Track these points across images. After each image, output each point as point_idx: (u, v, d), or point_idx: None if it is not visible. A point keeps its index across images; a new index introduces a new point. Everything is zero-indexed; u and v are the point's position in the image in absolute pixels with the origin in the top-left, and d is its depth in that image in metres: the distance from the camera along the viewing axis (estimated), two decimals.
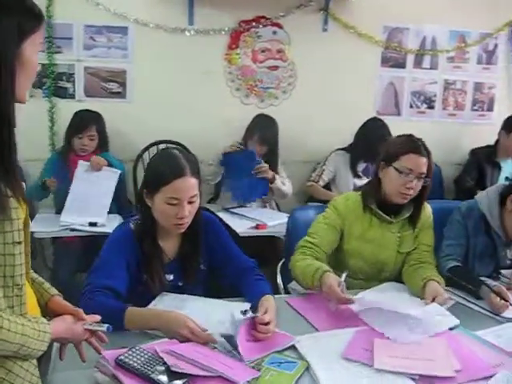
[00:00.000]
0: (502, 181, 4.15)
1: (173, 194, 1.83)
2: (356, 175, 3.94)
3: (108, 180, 3.25)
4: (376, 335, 1.76)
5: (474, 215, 2.39)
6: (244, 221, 3.28)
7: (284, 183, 3.70)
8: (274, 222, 3.32)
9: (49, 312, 1.37)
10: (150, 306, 1.85)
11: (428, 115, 4.50)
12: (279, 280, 2.58)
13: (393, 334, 1.74)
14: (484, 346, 1.76)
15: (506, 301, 2.06)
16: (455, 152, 4.47)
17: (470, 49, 4.44)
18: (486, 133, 4.48)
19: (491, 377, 1.56)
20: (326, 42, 4.09)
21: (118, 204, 3.41)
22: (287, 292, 2.45)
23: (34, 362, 1.23)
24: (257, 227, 3.22)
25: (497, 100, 4.64)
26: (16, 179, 1.16)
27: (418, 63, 4.37)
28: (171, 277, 1.99)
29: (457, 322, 1.89)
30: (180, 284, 2.00)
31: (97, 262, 1.84)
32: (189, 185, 1.85)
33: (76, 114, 3.41)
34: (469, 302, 2.14)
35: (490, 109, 4.64)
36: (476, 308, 2.10)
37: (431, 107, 4.49)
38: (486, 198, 2.41)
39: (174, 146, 3.81)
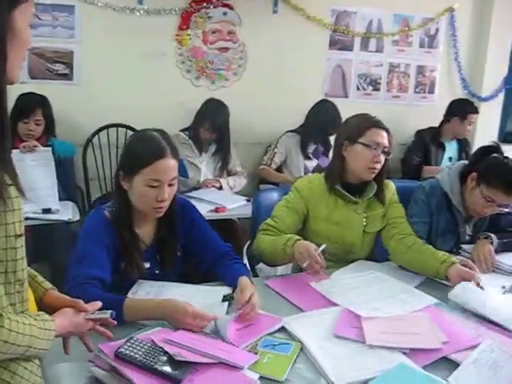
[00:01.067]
0: (445, 160, 4.33)
1: (154, 176, 1.77)
2: (307, 157, 3.98)
3: (45, 161, 3.02)
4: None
5: (436, 193, 2.46)
6: (203, 204, 3.22)
7: (233, 186, 3.70)
8: (233, 204, 3.30)
9: (44, 307, 1.28)
10: (129, 294, 1.80)
11: (374, 97, 4.59)
12: (246, 262, 2.57)
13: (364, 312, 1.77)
14: (463, 318, 1.83)
15: (471, 269, 2.14)
16: (399, 133, 4.58)
17: (413, 33, 4.56)
18: (427, 114, 4.64)
19: (475, 347, 1.61)
20: (275, 24, 4.07)
21: (68, 191, 3.27)
22: (255, 275, 2.44)
23: (37, 361, 1.15)
24: (216, 210, 3.19)
25: (437, 83, 4.80)
26: (13, 166, 1.08)
27: (364, 46, 4.44)
28: (148, 264, 1.93)
29: (434, 300, 1.94)
30: (157, 272, 1.95)
31: (78, 253, 1.75)
32: (170, 166, 1.81)
33: (20, 97, 3.21)
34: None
35: (432, 91, 4.80)
36: (445, 282, 2.17)
37: (377, 89, 4.59)
38: (447, 177, 2.49)
39: (126, 129, 3.71)
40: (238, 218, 3.49)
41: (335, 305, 1.85)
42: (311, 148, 4.01)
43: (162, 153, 1.78)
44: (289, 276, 2.15)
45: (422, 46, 4.64)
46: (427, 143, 4.29)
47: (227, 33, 3.96)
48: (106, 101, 3.72)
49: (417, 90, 4.75)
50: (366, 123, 2.26)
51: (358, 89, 4.52)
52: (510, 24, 4.83)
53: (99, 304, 1.36)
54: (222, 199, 3.34)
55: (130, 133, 3.75)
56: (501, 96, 5.00)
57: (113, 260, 1.82)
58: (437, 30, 4.64)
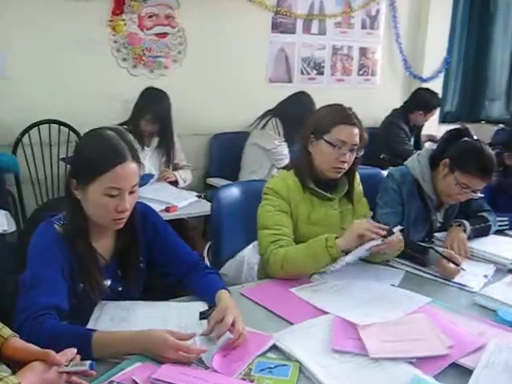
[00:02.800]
0: None
1: (113, 184, 1.52)
2: None
3: None
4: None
5: (407, 181, 2.34)
6: (152, 204, 2.94)
7: (185, 180, 3.47)
8: (184, 202, 3.07)
9: (5, 360, 1.02)
10: (91, 320, 1.55)
11: (318, 81, 4.47)
12: (207, 263, 2.37)
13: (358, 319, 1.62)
14: (459, 316, 1.72)
15: (457, 265, 2.05)
16: None
17: (355, 14, 4.46)
18: (371, 97, 4.58)
19: (482, 348, 1.51)
20: (216, 6, 3.83)
21: None
22: None
23: None
24: (167, 210, 2.94)
25: (380, 65, 4.73)
26: None
27: (307, 29, 4.30)
28: (108, 282, 1.68)
29: (427, 299, 1.81)
30: (119, 289, 1.71)
31: (29, 277, 1.48)
32: (131, 171, 1.56)
33: None
34: (417, 270, 2.10)
35: (374, 73, 4.73)
36: (426, 276, 2.06)
37: (321, 73, 4.46)
38: (417, 163, 2.37)
39: (58, 125, 3.38)
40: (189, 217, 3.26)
41: (324, 312, 1.69)
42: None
43: (121, 157, 1.53)
44: (264, 283, 1.95)
45: (363, 27, 4.57)
46: (404, 128, 4.25)
47: (165, 17, 3.67)
48: (34, 95, 3.35)
49: (360, 72, 4.66)
50: (333, 118, 2.05)
51: (301, 73, 4.37)
52: (449, 5, 4.83)
53: (73, 352, 1.11)
54: (172, 197, 3.10)
55: (64, 129, 3.43)
56: (441, 77, 5.00)
57: (69, 281, 1.56)
58: (378, 10, 4.55)
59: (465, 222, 2.35)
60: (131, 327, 1.50)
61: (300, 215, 2.10)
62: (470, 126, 2.41)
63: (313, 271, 1.95)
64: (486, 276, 2.08)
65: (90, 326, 1.52)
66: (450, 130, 2.41)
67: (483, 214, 2.47)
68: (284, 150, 3.70)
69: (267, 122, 3.71)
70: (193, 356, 1.34)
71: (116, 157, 1.53)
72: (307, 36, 4.30)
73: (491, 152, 2.28)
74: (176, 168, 3.52)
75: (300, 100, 3.70)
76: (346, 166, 2.07)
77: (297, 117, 3.62)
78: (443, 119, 5.14)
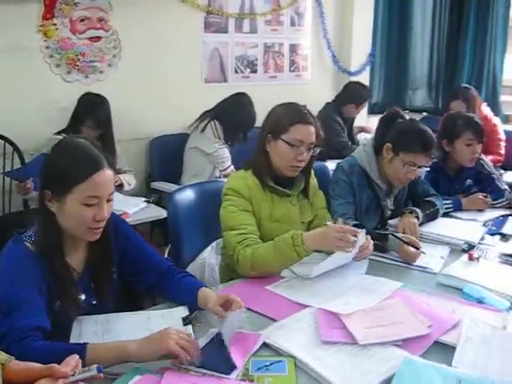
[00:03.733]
0: None
1: (92, 193, 1.49)
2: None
3: None
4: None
5: (356, 171, 2.42)
6: None
7: (129, 183, 3.41)
8: (134, 208, 3.01)
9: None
10: (72, 338, 1.50)
11: (252, 79, 4.50)
12: None
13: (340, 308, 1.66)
14: (430, 296, 1.80)
15: (417, 248, 2.14)
16: None
17: (283, 11, 4.52)
18: (303, 92, 4.66)
19: (458, 324, 1.59)
20: (148, 7, 3.76)
21: None
22: None
23: None
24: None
25: (310, 60, 4.83)
26: None
27: (238, 28, 4.31)
28: (83, 296, 1.63)
29: (398, 284, 1.88)
30: (94, 302, 1.66)
31: (5, 300, 1.40)
32: (107, 179, 1.53)
33: None
34: (380, 256, 2.16)
35: (305, 69, 4.82)
36: (389, 262, 2.14)
37: (254, 71, 4.50)
38: (363, 153, 2.46)
39: None
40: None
41: (305, 306, 1.71)
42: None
43: (97, 164, 1.50)
44: (238, 283, 1.95)
45: (292, 24, 4.64)
46: (338, 121, 4.33)
47: (97, 20, 3.56)
48: None
49: (291, 68, 4.74)
50: (290, 118, 2.08)
51: (236, 72, 4.39)
52: (371, 1, 5.00)
53: (76, 359, 1.08)
54: (121, 204, 3.02)
55: None
56: (367, 70, 5.18)
57: (46, 299, 1.50)
58: (305, 8, 4.65)
59: (416, 209, 2.45)
60: (117, 338, 1.47)
61: (262, 213, 2.11)
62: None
63: (283, 268, 1.97)
64: (442, 257, 2.18)
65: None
66: (383, 117, 2.50)
67: (431, 198, 2.59)
68: (225, 152, 3.70)
69: (206, 125, 3.69)
70: (193, 351, 1.34)
71: (92, 165, 1.50)
72: (239, 35, 4.33)
73: (426, 127, 2.39)
74: (119, 173, 3.44)
75: (239, 101, 3.72)
76: (303, 165, 2.11)
77: (236, 118, 3.65)
78: (371, 110, 5.31)
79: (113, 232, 1.69)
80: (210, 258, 2.43)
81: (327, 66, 4.98)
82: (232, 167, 3.68)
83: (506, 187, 2.97)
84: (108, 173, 1.53)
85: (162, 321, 1.61)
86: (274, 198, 2.15)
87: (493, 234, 2.43)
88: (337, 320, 1.60)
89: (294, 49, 4.70)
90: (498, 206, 2.85)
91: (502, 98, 4.88)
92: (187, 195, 2.50)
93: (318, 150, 2.16)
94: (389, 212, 2.53)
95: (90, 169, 1.48)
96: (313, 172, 2.32)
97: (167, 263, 1.81)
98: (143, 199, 3.16)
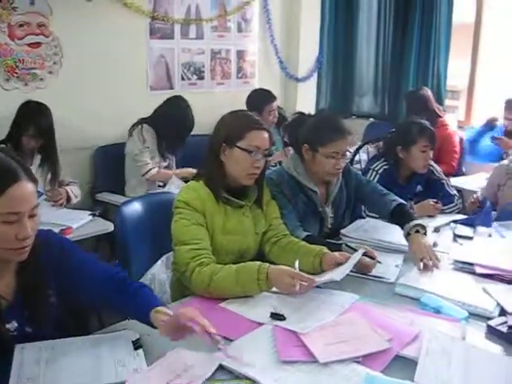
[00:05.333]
0: None
1: (10, 209, 1.37)
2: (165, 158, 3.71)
3: None
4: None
5: (285, 179, 2.37)
6: (47, 227, 2.75)
7: (76, 195, 3.27)
8: (79, 222, 2.88)
9: None
10: (14, 368, 1.37)
11: (199, 86, 4.43)
12: None
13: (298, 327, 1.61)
14: (387, 308, 1.77)
15: (373, 258, 2.11)
16: None
17: (230, 17, 4.47)
18: None
19: (417, 336, 1.57)
20: (90, 13, 3.63)
21: None
22: None
23: None
24: (63, 232, 2.73)
25: (257, 66, 4.80)
26: None
27: (185, 33, 4.23)
28: (15, 324, 1.49)
29: (356, 296, 1.85)
30: (29, 330, 1.52)
31: None
32: (27, 192, 1.41)
33: None
34: None
35: (253, 75, 4.78)
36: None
37: (201, 78, 4.42)
38: (290, 161, 2.44)
39: None
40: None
41: (260, 324, 1.65)
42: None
43: (13, 176, 1.38)
44: (190, 300, 1.86)
45: (240, 30, 4.60)
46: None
47: (37, 25, 3.39)
48: None
49: (239, 75, 4.69)
50: (245, 125, 2.03)
51: (182, 78, 4.30)
52: (317, 7, 5.02)
53: None
54: (65, 218, 2.90)
55: None
56: (315, 76, 5.19)
57: None
58: (252, 13, 4.61)
59: (417, 224, 2.28)
60: (63, 367, 1.38)
61: (215, 226, 2.04)
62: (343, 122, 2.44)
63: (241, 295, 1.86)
64: (397, 266, 2.17)
65: (13, 374, 1.36)
66: (290, 123, 2.51)
67: (389, 197, 2.46)
68: (144, 156, 3.60)
69: (134, 129, 3.63)
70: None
71: (8, 177, 1.37)
72: (186, 41, 4.25)
73: (331, 115, 2.44)
74: (62, 185, 3.29)
75: (173, 103, 3.67)
76: (259, 172, 2.06)
77: (170, 121, 3.58)
78: None
79: (44, 249, 1.55)
80: (159, 273, 2.35)
81: (275, 72, 4.96)
82: (153, 172, 3.59)
83: (456, 192, 3.01)
84: (27, 185, 1.40)
85: (111, 345, 1.51)
86: (228, 210, 2.08)
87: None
88: (295, 337, 1.55)
89: (241, 55, 4.66)
90: (448, 211, 2.88)
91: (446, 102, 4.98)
92: (135, 208, 2.42)
93: (270, 158, 2.12)
94: (330, 220, 2.49)
95: (5, 182, 1.36)
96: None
97: (118, 275, 1.66)
98: (88, 212, 3.03)
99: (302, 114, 2.50)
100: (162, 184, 3.68)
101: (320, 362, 1.43)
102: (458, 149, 4.22)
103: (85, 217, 2.97)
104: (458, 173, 4.10)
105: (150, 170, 3.60)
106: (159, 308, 1.54)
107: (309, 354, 1.47)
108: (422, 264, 2.11)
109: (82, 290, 1.62)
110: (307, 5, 4.89)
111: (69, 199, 3.17)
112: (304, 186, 2.38)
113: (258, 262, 1.84)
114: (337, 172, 2.36)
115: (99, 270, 1.66)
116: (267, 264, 1.82)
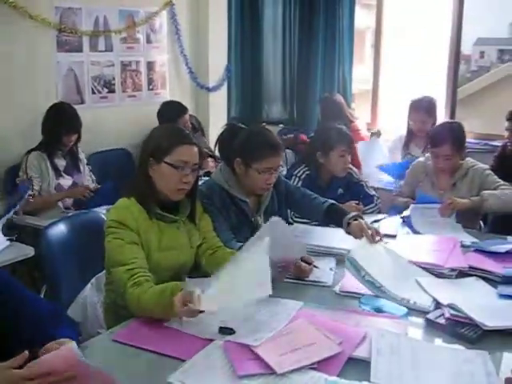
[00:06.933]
0: None
1: None
2: (59, 175, 3.53)
3: None
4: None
5: (215, 191, 2.37)
6: None
7: None
8: None
9: None
10: None
11: (110, 100, 4.31)
12: None
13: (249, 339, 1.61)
14: (331, 312, 1.81)
15: (309, 263, 2.15)
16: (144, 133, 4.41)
17: (139, 28, 4.40)
18: None
19: (365, 337, 1.62)
20: None
21: None
22: None
23: None
24: None
25: (168, 78, 4.76)
26: None
27: (93, 46, 4.11)
28: None
29: (300, 303, 1.87)
30: None
31: None
32: None
33: None
34: None
35: (164, 87, 4.73)
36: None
37: (112, 91, 4.31)
38: (219, 172, 2.44)
39: None
40: None
41: (210, 340, 1.63)
42: (61, 165, 3.56)
43: None
44: (134, 322, 1.79)
45: (149, 41, 4.53)
46: None
47: None
48: None
49: (150, 87, 4.62)
50: (172, 139, 2.00)
51: (93, 92, 4.17)
52: (224, 16, 5.05)
53: None
54: None
55: None
56: (225, 85, 5.21)
57: None
58: (161, 24, 4.56)
59: (354, 214, 2.34)
60: None
61: (151, 243, 1.99)
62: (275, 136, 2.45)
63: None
64: (331, 269, 2.22)
65: None
66: (222, 134, 2.48)
67: (319, 200, 2.50)
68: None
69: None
70: None
71: None
72: (95, 53, 4.12)
73: (265, 129, 2.44)
74: None
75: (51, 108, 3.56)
76: (189, 187, 2.04)
77: (47, 122, 3.49)
78: None
79: None
80: (91, 296, 2.27)
81: (185, 82, 4.93)
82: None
83: (375, 193, 3.14)
84: None
85: None
86: (161, 226, 2.04)
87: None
88: (248, 351, 1.54)
89: (151, 66, 4.59)
90: (369, 211, 3.00)
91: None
92: (60, 230, 2.33)
93: (202, 172, 2.10)
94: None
95: None
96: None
97: (46, 309, 1.58)
98: (6, 238, 2.85)
99: (233, 125, 2.48)
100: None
101: (278, 373, 1.43)
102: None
103: (3, 241, 2.80)
104: None
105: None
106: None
107: (265, 366, 1.47)
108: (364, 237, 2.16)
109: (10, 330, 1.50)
110: (214, 14, 4.90)
111: None
112: (235, 198, 2.37)
113: (180, 283, 1.76)
114: (268, 187, 2.38)
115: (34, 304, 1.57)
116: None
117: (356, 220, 2.28)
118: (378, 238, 2.19)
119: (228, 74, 5.21)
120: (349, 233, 2.29)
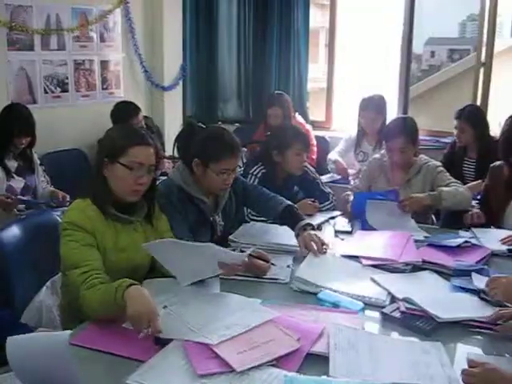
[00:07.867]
0: None
1: None
2: (12, 176, 3.44)
3: None
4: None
5: (173, 191, 2.36)
6: None
7: None
8: None
9: None
10: None
11: (64, 99, 4.24)
12: None
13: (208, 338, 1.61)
14: (289, 308, 1.83)
15: (267, 261, 2.17)
16: (98, 132, 4.34)
17: (92, 27, 4.33)
18: None
19: (323, 333, 1.65)
20: None
21: None
22: None
23: None
24: None
25: (122, 77, 4.70)
26: None
27: (45, 44, 4.02)
28: None
29: (258, 301, 1.88)
30: None
31: None
32: None
33: None
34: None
35: (118, 86, 4.68)
36: (239, 278, 2.11)
37: (65, 90, 4.23)
38: (177, 172, 2.43)
39: None
40: None
41: (170, 340, 1.61)
42: (12, 166, 3.47)
43: None
44: (92, 324, 1.76)
45: (102, 40, 4.46)
46: None
47: None
48: None
49: (104, 86, 4.56)
50: (128, 140, 1.98)
51: (45, 92, 4.08)
52: (179, 14, 5.02)
53: None
54: None
55: None
56: (180, 84, 5.19)
57: None
58: (115, 22, 4.50)
59: (306, 223, 2.41)
60: None
61: (107, 245, 1.97)
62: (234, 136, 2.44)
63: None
64: (288, 266, 2.24)
65: None
66: (180, 134, 2.48)
67: (276, 199, 2.55)
68: None
69: None
70: None
71: None
72: (47, 52, 4.03)
73: (223, 129, 2.45)
74: None
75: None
76: (144, 188, 2.02)
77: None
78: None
79: None
80: (46, 299, 2.23)
81: (140, 81, 4.89)
82: None
83: (330, 190, 3.18)
84: None
85: None
86: (118, 227, 2.02)
87: None
88: (207, 349, 1.54)
89: (105, 65, 4.52)
90: (325, 208, 3.04)
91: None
92: (13, 233, 2.28)
93: (158, 173, 2.09)
94: (220, 227, 2.52)
95: None
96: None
97: None
98: None
99: (191, 125, 2.47)
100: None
101: (238, 371, 1.44)
102: (314, 142, 4.39)
103: None
104: (324, 171, 4.27)
105: None
106: None
107: (224, 365, 1.47)
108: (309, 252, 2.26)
109: None
110: (169, 13, 4.87)
111: None
112: (193, 197, 2.37)
113: (121, 280, 1.72)
114: (226, 187, 2.39)
115: None
116: (130, 281, 1.72)
117: (305, 230, 2.36)
118: (324, 250, 2.29)
119: (183, 73, 5.18)
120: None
